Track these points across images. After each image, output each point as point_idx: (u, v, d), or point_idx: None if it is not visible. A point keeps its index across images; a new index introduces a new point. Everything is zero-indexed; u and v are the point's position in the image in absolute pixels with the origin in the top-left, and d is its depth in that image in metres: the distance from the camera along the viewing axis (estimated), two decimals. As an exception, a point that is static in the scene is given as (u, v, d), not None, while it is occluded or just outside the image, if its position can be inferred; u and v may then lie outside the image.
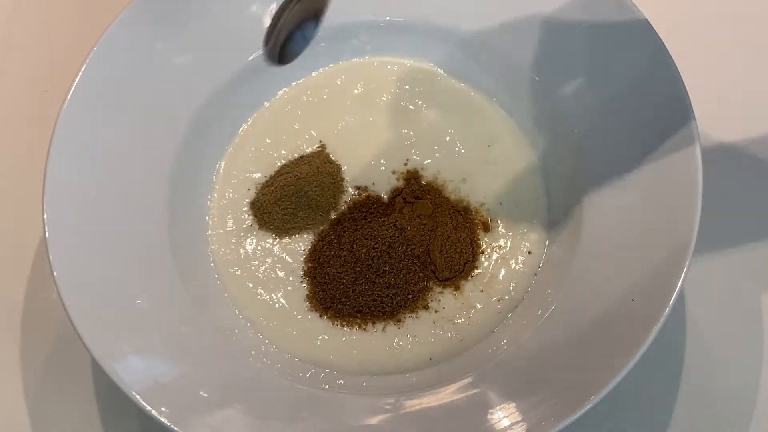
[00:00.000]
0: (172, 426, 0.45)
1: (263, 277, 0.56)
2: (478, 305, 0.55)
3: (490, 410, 0.47)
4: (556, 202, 0.57)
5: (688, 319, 0.55)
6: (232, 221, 0.58)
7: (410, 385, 0.51)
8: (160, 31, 0.56)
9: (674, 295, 0.46)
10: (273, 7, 0.58)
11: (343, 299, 0.55)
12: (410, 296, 0.55)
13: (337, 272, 0.55)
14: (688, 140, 0.50)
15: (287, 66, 0.56)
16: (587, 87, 0.55)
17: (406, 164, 0.59)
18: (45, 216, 0.49)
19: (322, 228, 0.57)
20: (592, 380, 0.45)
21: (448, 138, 0.59)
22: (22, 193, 0.61)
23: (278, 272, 0.56)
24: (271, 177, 0.59)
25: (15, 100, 0.65)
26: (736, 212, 0.58)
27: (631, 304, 0.48)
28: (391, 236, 0.56)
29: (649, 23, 0.53)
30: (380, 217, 0.56)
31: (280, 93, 0.61)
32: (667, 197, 0.50)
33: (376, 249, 0.55)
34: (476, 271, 0.55)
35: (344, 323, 0.55)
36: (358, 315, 0.55)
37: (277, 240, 0.57)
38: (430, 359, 0.53)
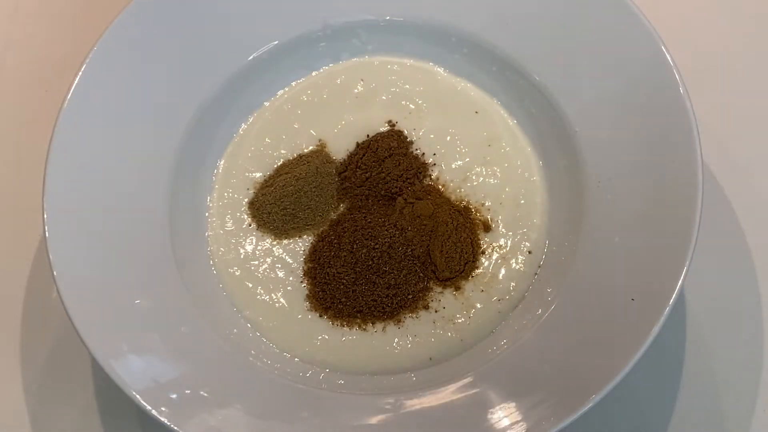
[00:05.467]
0: (172, 426, 0.45)
1: (263, 277, 0.56)
2: (478, 305, 0.55)
3: (490, 410, 0.47)
4: (556, 202, 0.57)
5: (688, 319, 0.55)
6: (231, 221, 0.58)
7: (410, 385, 0.51)
8: (159, 31, 0.56)
9: (674, 295, 0.46)
10: (272, 8, 0.58)
11: (343, 299, 0.55)
12: (410, 296, 0.55)
13: (337, 272, 0.55)
14: (688, 140, 0.50)
15: (287, 66, 0.56)
16: (587, 87, 0.55)
17: (406, 164, 0.59)
18: (45, 216, 0.49)
19: (322, 228, 0.57)
20: (592, 380, 0.45)
21: (448, 138, 0.59)
22: (22, 193, 0.61)
23: (278, 272, 0.56)
24: (270, 177, 0.59)
25: (15, 100, 0.65)
26: (736, 212, 0.58)
27: (631, 304, 0.48)
28: (391, 236, 0.56)
29: (649, 23, 0.53)
30: (380, 218, 0.56)
31: (280, 93, 0.61)
32: (667, 197, 0.50)
33: (376, 249, 0.55)
34: (476, 271, 0.55)
35: (344, 323, 0.55)
36: (358, 315, 0.54)
37: (277, 240, 0.57)
38: (430, 359, 0.53)
